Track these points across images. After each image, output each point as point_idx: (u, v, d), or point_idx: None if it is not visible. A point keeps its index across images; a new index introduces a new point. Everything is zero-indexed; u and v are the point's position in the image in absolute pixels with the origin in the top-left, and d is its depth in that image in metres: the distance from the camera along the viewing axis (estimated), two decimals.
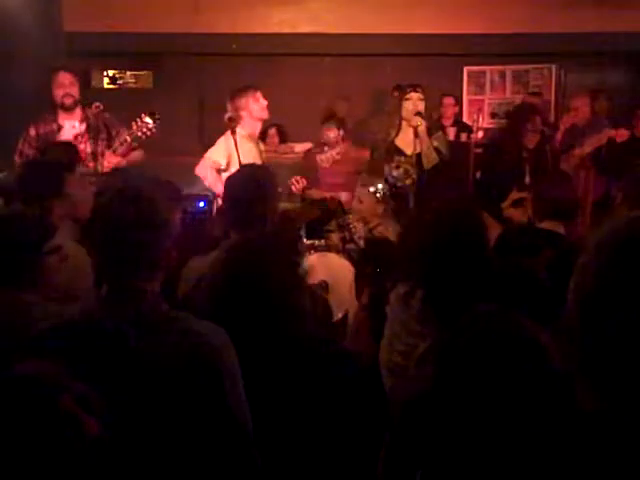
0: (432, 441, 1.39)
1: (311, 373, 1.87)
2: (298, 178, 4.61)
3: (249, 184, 2.92)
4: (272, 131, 6.70)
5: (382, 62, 7.38)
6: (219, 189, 4.18)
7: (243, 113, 4.52)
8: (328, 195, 5.15)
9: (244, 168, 3.43)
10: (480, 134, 5.69)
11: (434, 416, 1.37)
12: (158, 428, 1.68)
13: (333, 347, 2.08)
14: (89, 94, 5.72)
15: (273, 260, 1.93)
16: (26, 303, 2.15)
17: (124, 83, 7.32)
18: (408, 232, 2.41)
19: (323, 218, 4.89)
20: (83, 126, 4.43)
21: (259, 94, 4.60)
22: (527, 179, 4.83)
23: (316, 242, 4.76)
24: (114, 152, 4.37)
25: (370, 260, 3.12)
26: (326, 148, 5.45)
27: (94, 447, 1.13)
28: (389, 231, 4.34)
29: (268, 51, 7.27)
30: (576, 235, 3.78)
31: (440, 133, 4.83)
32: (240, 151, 4.23)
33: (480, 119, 5.55)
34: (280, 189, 3.73)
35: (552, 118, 7.18)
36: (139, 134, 4.33)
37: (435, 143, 4.66)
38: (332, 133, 5.56)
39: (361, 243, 4.63)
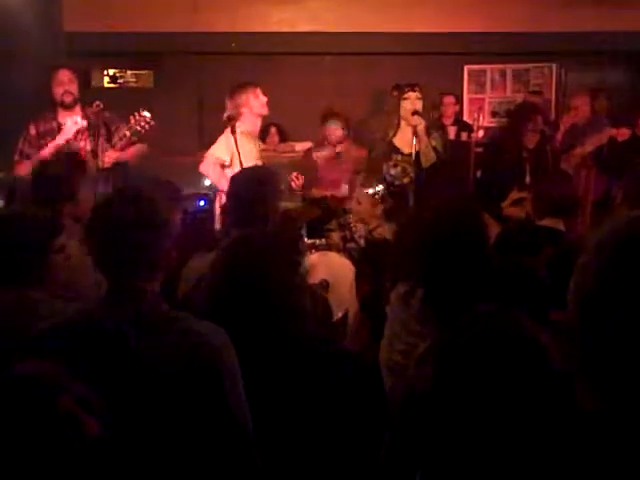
0: (432, 441, 1.39)
1: (311, 373, 1.87)
2: (297, 175, 4.61)
3: (252, 184, 2.94)
4: (272, 130, 6.70)
5: (382, 61, 7.37)
6: (223, 185, 4.18)
7: (243, 110, 4.52)
8: (329, 194, 5.15)
9: (247, 169, 3.46)
10: (481, 133, 5.69)
11: (434, 416, 1.37)
12: (158, 428, 1.68)
13: (333, 347, 2.08)
14: (89, 94, 5.72)
15: (273, 260, 1.93)
16: (33, 300, 2.16)
17: (124, 82, 7.32)
18: (407, 231, 2.41)
19: (324, 217, 4.89)
20: (84, 122, 4.43)
21: (259, 90, 4.60)
22: (527, 179, 4.84)
23: (317, 241, 4.76)
24: (113, 147, 4.37)
25: (370, 260, 3.12)
26: (325, 143, 5.44)
27: (94, 447, 1.13)
28: (388, 232, 4.34)
29: (268, 50, 7.26)
30: (576, 233, 3.78)
31: (438, 132, 4.84)
32: (240, 150, 4.23)
33: (481, 118, 5.54)
34: (282, 187, 3.74)
35: (552, 117, 7.17)
36: (138, 128, 4.34)
37: (433, 142, 4.66)
38: (338, 132, 5.57)
39: (362, 242, 4.63)
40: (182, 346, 1.70)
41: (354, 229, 4.73)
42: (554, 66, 7.74)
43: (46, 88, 4.56)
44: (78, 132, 4.43)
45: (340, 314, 4.05)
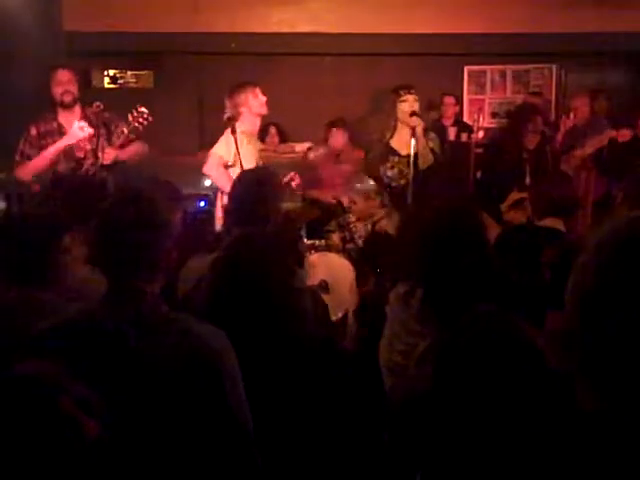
0: (432, 441, 1.39)
1: (311, 373, 1.87)
2: (293, 175, 4.62)
3: (253, 185, 2.95)
4: (272, 130, 6.70)
5: (382, 62, 7.37)
6: (227, 186, 4.19)
7: (242, 109, 4.52)
8: (330, 196, 5.16)
9: (249, 170, 3.48)
10: (481, 134, 5.69)
11: (434, 416, 1.37)
12: (158, 428, 1.68)
13: (333, 347, 2.08)
14: (90, 94, 5.72)
15: (274, 260, 1.93)
16: (38, 301, 2.16)
17: (125, 83, 7.32)
18: (407, 231, 2.41)
19: (323, 218, 4.90)
20: (91, 130, 4.41)
21: (258, 90, 4.60)
22: (527, 179, 4.84)
23: (316, 242, 4.77)
24: (111, 145, 4.37)
25: (368, 258, 3.13)
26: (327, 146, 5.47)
27: (94, 449, 1.13)
28: (392, 223, 4.34)
29: (268, 50, 7.26)
30: (576, 233, 3.78)
31: (434, 134, 4.85)
32: (240, 150, 4.24)
33: (481, 119, 5.55)
34: (283, 188, 3.75)
35: (552, 118, 7.17)
36: (136, 124, 4.34)
37: (431, 144, 4.67)
38: (342, 140, 5.61)
39: (361, 243, 4.64)
40: (182, 347, 1.70)
41: (353, 230, 4.74)
42: (554, 67, 7.74)
43: (46, 88, 4.56)
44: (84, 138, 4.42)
45: (340, 314, 4.05)
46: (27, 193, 4.19)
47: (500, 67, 7.83)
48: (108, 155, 4.36)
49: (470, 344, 1.35)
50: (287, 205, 4.50)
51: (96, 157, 4.39)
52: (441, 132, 6.58)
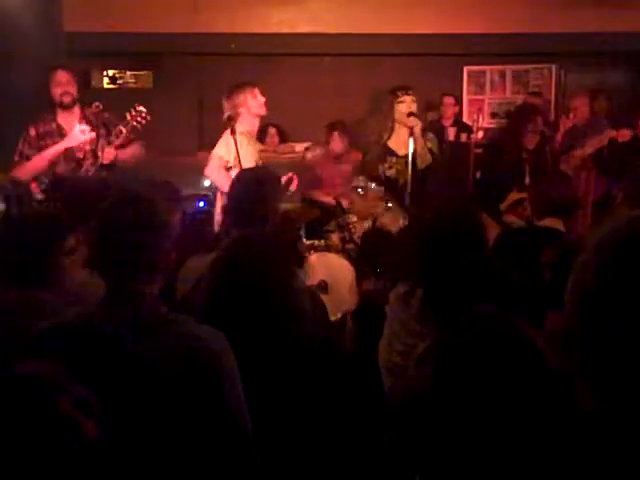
0: (431, 442, 1.39)
1: (310, 373, 1.87)
2: (291, 175, 4.62)
3: (252, 185, 2.94)
4: (272, 131, 6.71)
5: (382, 62, 7.37)
6: (227, 188, 4.19)
7: (241, 110, 4.52)
8: (330, 196, 5.17)
9: (247, 170, 3.46)
10: (480, 134, 5.69)
11: (433, 416, 1.37)
12: (156, 430, 1.68)
13: (332, 348, 2.08)
14: (89, 94, 5.72)
15: (273, 260, 1.93)
16: (39, 302, 2.15)
17: (124, 83, 7.32)
18: (406, 231, 2.42)
19: (323, 218, 4.90)
20: (93, 134, 4.40)
21: (257, 90, 4.60)
22: (527, 179, 4.84)
23: (316, 242, 4.77)
24: (110, 144, 4.36)
25: (367, 256, 3.13)
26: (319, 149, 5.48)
27: (92, 450, 1.13)
28: (392, 220, 4.34)
29: (267, 51, 7.26)
30: (576, 233, 3.78)
31: (432, 134, 4.85)
32: (240, 151, 4.24)
33: (480, 119, 5.55)
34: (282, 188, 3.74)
35: (552, 118, 7.17)
36: (134, 123, 4.34)
37: (429, 144, 4.68)
38: (342, 143, 5.61)
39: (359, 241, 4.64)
40: (180, 349, 1.70)
41: (353, 230, 4.74)
42: (554, 67, 7.73)
43: (46, 88, 4.56)
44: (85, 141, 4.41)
45: (339, 314, 4.05)
46: (26, 194, 4.18)
47: (500, 67, 7.83)
48: (108, 155, 4.36)
49: (470, 344, 1.35)
50: (286, 205, 4.51)
51: (96, 157, 4.39)
52: (440, 132, 6.59)
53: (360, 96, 7.07)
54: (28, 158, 4.42)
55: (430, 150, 4.67)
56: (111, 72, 7.24)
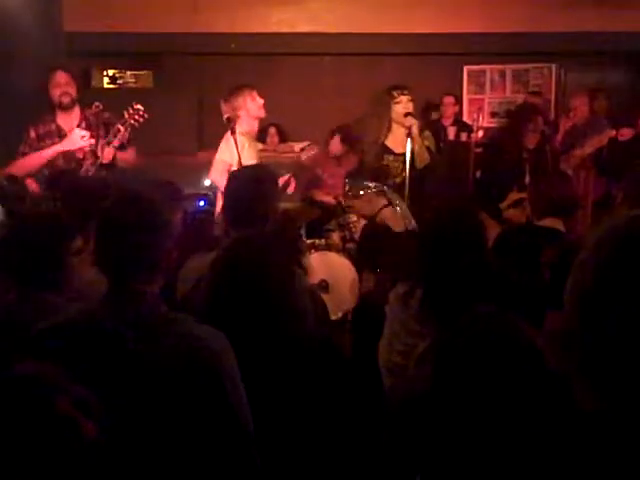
0: (431, 442, 1.39)
1: (310, 374, 1.87)
2: (288, 178, 4.61)
3: (250, 183, 2.92)
4: (272, 130, 6.71)
5: (382, 62, 7.37)
6: None
7: (240, 112, 4.53)
8: (332, 195, 5.17)
9: (244, 168, 3.44)
10: (480, 133, 5.68)
11: (433, 416, 1.37)
12: (157, 430, 1.68)
13: (332, 347, 2.08)
14: (89, 94, 5.72)
15: (273, 260, 1.93)
16: (48, 303, 2.15)
17: (124, 83, 7.31)
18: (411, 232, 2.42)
19: (323, 217, 4.90)
20: (92, 140, 4.40)
21: (255, 93, 4.61)
22: (527, 179, 4.84)
23: (316, 241, 4.77)
24: (109, 144, 4.37)
25: (365, 252, 3.13)
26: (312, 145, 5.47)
27: (91, 450, 1.13)
28: (395, 214, 4.34)
29: (267, 51, 7.26)
30: (576, 233, 3.78)
31: (429, 132, 4.85)
32: (240, 151, 4.24)
33: (480, 118, 5.55)
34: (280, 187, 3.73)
35: (552, 117, 7.17)
36: (132, 122, 4.34)
37: (426, 143, 4.68)
38: (341, 146, 5.62)
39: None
40: (181, 349, 1.70)
41: (353, 229, 4.74)
42: (554, 66, 7.73)
43: (46, 88, 4.56)
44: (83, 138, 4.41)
45: (340, 314, 4.06)
46: (22, 190, 4.16)
47: (499, 67, 7.83)
48: (107, 155, 4.36)
49: (469, 344, 1.35)
50: (287, 205, 4.51)
51: (95, 157, 4.39)
52: (441, 132, 6.59)
53: (360, 96, 7.07)
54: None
55: (428, 149, 4.68)
56: (111, 72, 7.24)
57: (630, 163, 4.47)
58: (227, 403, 1.70)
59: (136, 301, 1.75)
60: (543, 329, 2.07)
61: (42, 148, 4.41)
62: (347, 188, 4.79)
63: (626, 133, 5.50)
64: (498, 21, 7.18)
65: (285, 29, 7.27)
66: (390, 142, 4.74)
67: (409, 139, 4.49)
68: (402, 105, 4.62)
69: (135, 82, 7.33)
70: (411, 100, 4.64)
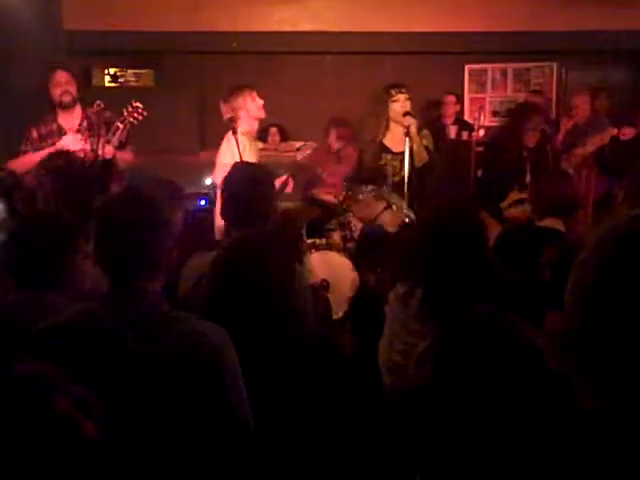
0: (431, 442, 1.39)
1: (310, 373, 1.87)
2: (285, 179, 4.61)
3: (246, 183, 2.91)
4: (273, 130, 6.70)
5: (383, 60, 7.37)
6: None
7: (240, 113, 4.53)
8: (332, 194, 5.16)
9: (240, 166, 3.40)
10: (481, 132, 5.68)
11: (433, 415, 1.37)
12: (158, 428, 1.68)
13: (332, 347, 2.08)
14: (90, 92, 5.71)
15: (274, 260, 1.93)
16: (48, 303, 2.14)
17: (125, 81, 7.31)
18: (406, 231, 2.42)
19: (324, 217, 4.90)
20: (87, 146, 4.40)
21: (255, 93, 4.61)
22: (528, 178, 4.83)
23: (317, 241, 4.77)
24: (108, 142, 4.37)
25: (362, 253, 3.12)
26: (311, 143, 5.46)
27: (91, 450, 1.13)
28: (393, 217, 4.34)
29: (269, 49, 7.26)
30: (576, 232, 3.78)
31: (427, 131, 4.84)
32: (243, 154, 4.24)
33: (481, 117, 5.54)
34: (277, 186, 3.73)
35: (553, 116, 7.17)
36: (131, 119, 4.34)
37: (425, 142, 4.67)
38: (340, 138, 5.60)
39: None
40: (182, 347, 1.70)
41: (354, 228, 4.74)
42: (555, 65, 7.73)
43: (46, 87, 4.56)
44: (78, 133, 4.42)
45: (341, 313, 4.06)
46: (16, 184, 4.14)
47: (501, 65, 7.83)
48: (107, 153, 4.36)
49: (469, 344, 1.35)
50: (287, 204, 4.50)
51: (96, 156, 4.39)
52: (441, 131, 6.58)
53: (362, 94, 7.07)
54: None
55: (426, 148, 4.67)
56: (112, 70, 7.24)
57: (631, 162, 4.47)
58: (227, 401, 1.70)
59: (137, 299, 1.75)
60: (543, 329, 2.06)
61: (43, 148, 4.41)
62: (345, 194, 4.80)
63: (628, 132, 5.50)
64: (499, 20, 7.17)
65: (286, 28, 7.27)
66: (388, 141, 4.74)
67: (407, 138, 4.48)
68: (399, 104, 4.62)
69: (136, 81, 7.33)
70: (409, 98, 4.64)
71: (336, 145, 5.64)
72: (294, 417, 1.85)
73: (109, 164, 3.94)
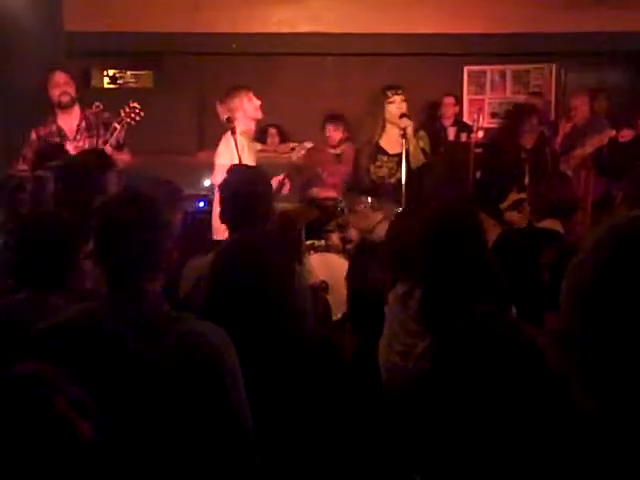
0: (430, 440, 1.39)
1: (309, 373, 1.87)
2: (282, 179, 4.60)
3: (245, 184, 2.91)
4: (272, 131, 6.70)
5: (382, 61, 7.37)
6: None
7: (237, 114, 4.53)
8: (332, 195, 5.16)
9: (237, 168, 3.40)
10: (480, 134, 5.69)
11: (432, 415, 1.37)
12: (157, 429, 1.68)
13: (332, 347, 2.09)
14: (89, 94, 5.72)
15: (273, 261, 1.94)
16: (49, 303, 2.14)
17: (124, 83, 7.31)
18: (406, 231, 2.42)
19: (322, 218, 4.90)
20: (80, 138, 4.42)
21: (251, 94, 4.60)
22: (526, 179, 4.84)
23: (316, 242, 4.77)
24: (106, 143, 4.37)
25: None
26: (306, 144, 5.46)
27: (87, 450, 1.13)
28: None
29: (268, 51, 7.26)
30: (575, 234, 3.79)
31: (423, 132, 4.84)
32: (242, 156, 4.24)
33: (480, 119, 5.55)
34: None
35: (552, 118, 7.17)
36: (128, 120, 4.34)
37: (421, 143, 4.67)
38: (337, 135, 5.60)
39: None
40: (182, 347, 1.70)
41: (351, 233, 4.74)
42: (554, 67, 7.73)
43: (46, 88, 4.57)
44: (76, 134, 4.42)
45: (340, 315, 4.05)
46: (20, 185, 4.14)
47: (500, 67, 7.83)
48: (107, 151, 4.37)
49: (469, 344, 1.36)
50: (286, 205, 4.50)
51: None
52: (440, 132, 6.59)
53: (361, 96, 7.07)
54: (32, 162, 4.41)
55: (422, 150, 4.67)
56: (111, 72, 7.24)
57: (630, 164, 4.47)
58: (227, 401, 1.70)
59: (137, 300, 1.75)
60: (543, 329, 2.07)
61: (43, 148, 4.41)
62: (343, 205, 4.81)
63: (626, 134, 5.51)
64: (499, 22, 7.18)
65: (286, 29, 7.27)
66: (384, 142, 4.74)
67: (404, 140, 4.48)
68: (395, 105, 4.62)
69: (135, 82, 7.33)
70: (405, 100, 4.64)
71: (336, 138, 5.63)
72: (294, 417, 1.85)
73: (103, 155, 3.93)
